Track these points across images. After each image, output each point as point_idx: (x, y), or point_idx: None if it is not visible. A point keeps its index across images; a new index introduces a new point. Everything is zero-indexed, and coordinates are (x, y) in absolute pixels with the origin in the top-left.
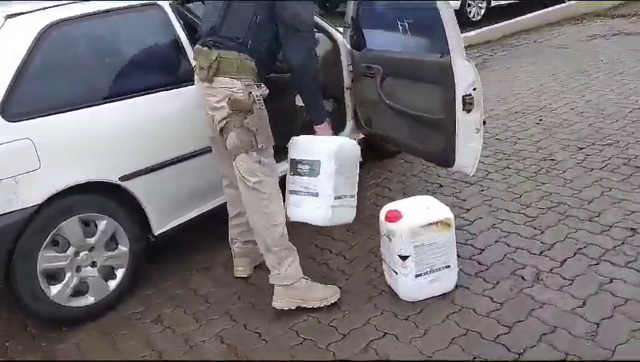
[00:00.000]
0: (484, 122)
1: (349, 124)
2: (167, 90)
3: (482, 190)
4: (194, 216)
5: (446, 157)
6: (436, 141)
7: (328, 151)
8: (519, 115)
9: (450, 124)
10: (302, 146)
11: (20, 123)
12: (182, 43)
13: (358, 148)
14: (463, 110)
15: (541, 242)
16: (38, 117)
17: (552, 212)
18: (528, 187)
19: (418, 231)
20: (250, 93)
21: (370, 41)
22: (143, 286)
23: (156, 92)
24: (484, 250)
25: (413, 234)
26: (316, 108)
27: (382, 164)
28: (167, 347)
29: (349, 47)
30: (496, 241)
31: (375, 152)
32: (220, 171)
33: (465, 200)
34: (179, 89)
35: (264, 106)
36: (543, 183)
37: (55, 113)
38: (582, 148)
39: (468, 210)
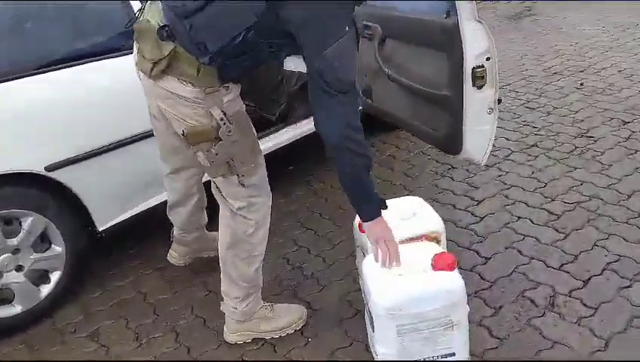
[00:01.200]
0: (500, 100)
1: None
2: (101, 59)
3: (500, 175)
4: (148, 207)
5: (452, 143)
6: (441, 122)
7: (380, 307)
8: (557, 77)
9: (456, 102)
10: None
11: None
12: None
13: (458, 284)
14: (473, 86)
15: (562, 251)
16: None
17: (581, 208)
18: (557, 172)
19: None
20: (212, 115)
21: None
22: (90, 287)
23: (87, 62)
24: (489, 258)
25: None
26: (362, 198)
27: (387, 137)
28: None
29: None
30: (506, 248)
31: (379, 123)
32: (161, 155)
33: (477, 188)
34: (118, 58)
35: (241, 121)
36: (575, 168)
37: None
38: (626, 123)
39: (479, 202)
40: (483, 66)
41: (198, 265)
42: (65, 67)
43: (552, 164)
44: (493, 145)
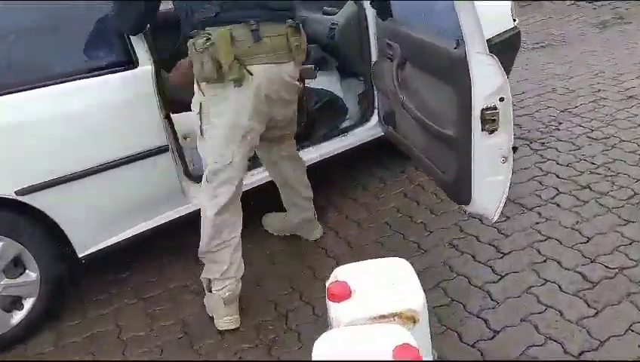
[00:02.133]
0: (515, 148)
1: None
2: (83, 78)
3: (538, 222)
4: (132, 235)
5: (459, 191)
6: (449, 165)
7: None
8: (633, 102)
9: (463, 145)
10: None
11: None
12: None
13: None
14: (483, 130)
15: (588, 332)
16: None
17: (623, 276)
18: (605, 225)
19: (364, 324)
20: None
21: (400, 7)
22: (71, 312)
23: (65, 81)
24: (498, 332)
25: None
26: None
27: None
28: None
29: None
30: (522, 320)
31: None
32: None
33: (506, 237)
34: (99, 77)
35: None
36: (628, 222)
37: None
38: None
39: (503, 254)
40: (495, 108)
41: (183, 301)
42: (40, 86)
43: (602, 214)
44: (539, 183)
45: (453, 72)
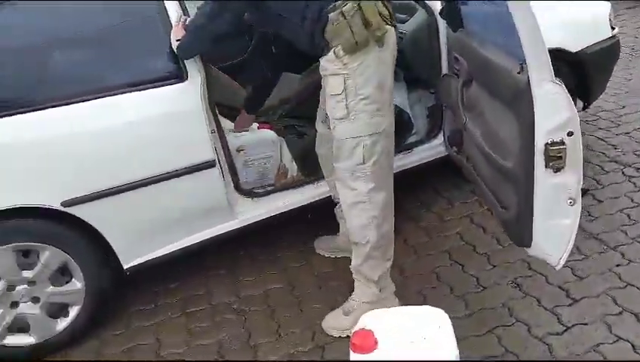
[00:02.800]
0: (585, 191)
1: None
2: (131, 91)
3: (619, 264)
4: (176, 249)
5: (519, 232)
6: (510, 200)
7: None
8: None
9: (525, 181)
10: None
11: None
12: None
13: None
14: (547, 167)
15: None
16: None
17: None
18: None
19: None
20: None
21: (472, 18)
22: (116, 322)
23: (115, 94)
24: None
25: None
26: None
27: None
28: None
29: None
30: None
31: None
32: None
33: (580, 279)
34: (147, 90)
35: None
36: None
37: None
38: None
39: (574, 301)
40: (562, 143)
41: (224, 320)
42: (86, 100)
43: None
44: (627, 217)
45: (516, 99)
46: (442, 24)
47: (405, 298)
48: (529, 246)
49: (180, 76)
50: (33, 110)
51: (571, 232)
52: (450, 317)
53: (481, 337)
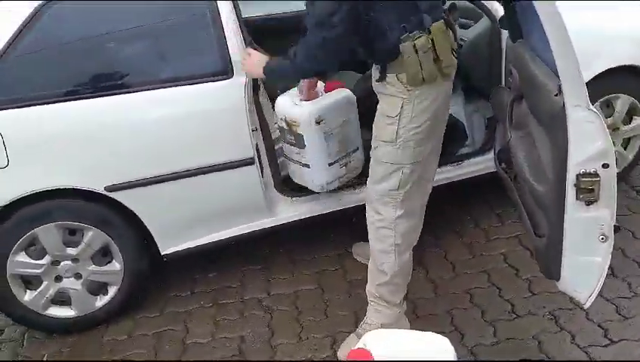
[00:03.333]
0: (617, 228)
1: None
2: (180, 85)
3: None
4: (213, 240)
5: (548, 264)
6: (543, 228)
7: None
8: None
9: (556, 211)
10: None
11: None
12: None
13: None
14: (578, 199)
15: None
16: (12, 108)
17: None
18: None
19: None
20: None
21: (530, 28)
22: (153, 304)
23: (165, 87)
24: None
25: None
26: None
27: None
28: None
29: None
30: None
31: None
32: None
33: (624, 320)
34: (195, 85)
35: None
36: None
37: (32, 105)
38: None
39: (611, 342)
40: (596, 175)
41: (252, 316)
42: (138, 91)
43: None
44: None
45: (553, 122)
46: (505, 33)
47: (432, 316)
48: (557, 279)
49: (225, 73)
50: (91, 97)
51: (602, 271)
52: (474, 344)
53: None
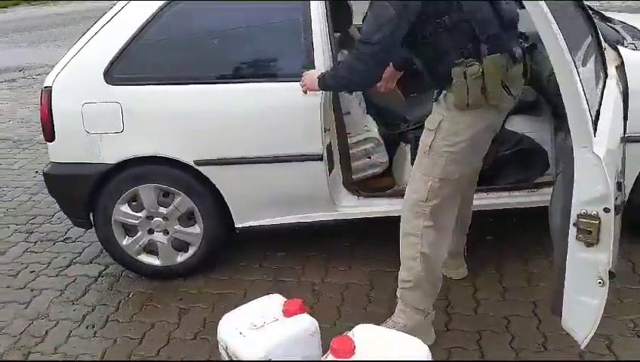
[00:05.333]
0: (612, 275)
1: None
2: (270, 81)
3: None
4: (281, 223)
5: (554, 299)
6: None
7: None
8: None
9: (560, 247)
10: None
11: (115, 87)
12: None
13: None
14: (578, 238)
15: None
16: (132, 85)
17: None
18: None
19: None
20: None
21: None
22: (225, 267)
23: (257, 82)
24: None
25: None
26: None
27: None
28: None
29: None
30: None
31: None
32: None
33: None
34: (282, 83)
35: None
36: None
37: (148, 84)
38: None
39: None
40: (596, 218)
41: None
42: (235, 83)
43: None
44: None
45: (565, 159)
46: None
47: (460, 333)
48: (559, 316)
49: None
50: (194, 83)
51: (598, 314)
52: None
53: None
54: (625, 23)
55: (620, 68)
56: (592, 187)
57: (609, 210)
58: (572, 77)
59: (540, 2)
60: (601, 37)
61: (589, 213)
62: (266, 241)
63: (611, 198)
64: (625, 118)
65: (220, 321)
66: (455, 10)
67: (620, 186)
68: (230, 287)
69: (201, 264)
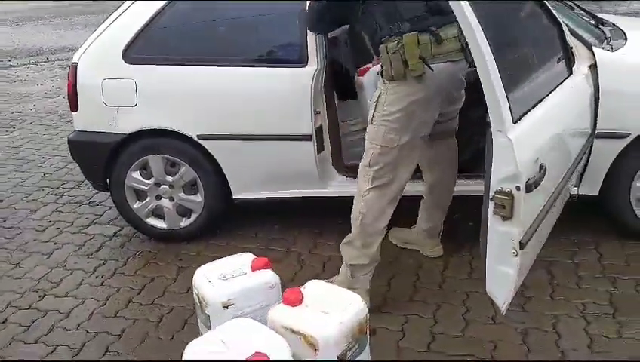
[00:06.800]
0: (523, 245)
1: None
2: (268, 67)
3: None
4: (274, 196)
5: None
6: None
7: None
8: None
9: (484, 221)
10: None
11: (131, 65)
12: None
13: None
14: (494, 213)
15: None
16: (147, 64)
17: None
18: None
19: (279, 329)
20: None
21: None
22: (222, 234)
23: (255, 66)
24: None
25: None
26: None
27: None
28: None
29: None
30: None
31: None
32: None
33: None
34: (278, 68)
35: None
36: None
37: (160, 64)
38: None
39: None
40: (509, 195)
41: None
42: (237, 66)
43: None
44: None
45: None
46: None
47: (422, 305)
48: (486, 287)
49: (302, 62)
50: (199, 65)
51: (513, 282)
52: None
53: None
54: (615, 26)
55: (593, 67)
56: (505, 166)
57: (520, 188)
58: (488, 68)
59: (462, 2)
60: (567, 37)
61: (503, 190)
62: (265, 214)
63: (522, 177)
64: (595, 115)
65: (196, 271)
66: None
67: (541, 168)
68: (226, 252)
69: (202, 230)
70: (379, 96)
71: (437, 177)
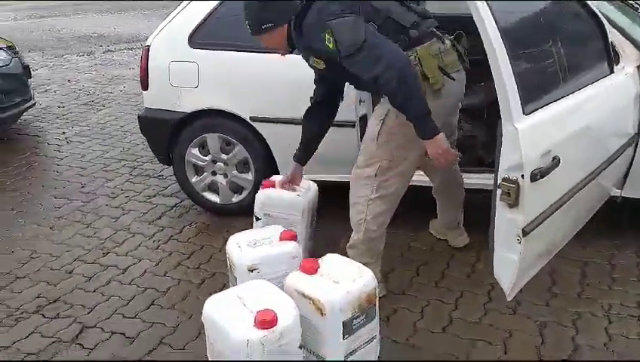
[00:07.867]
0: (525, 233)
1: None
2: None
3: None
4: (320, 179)
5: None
6: None
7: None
8: None
9: (493, 207)
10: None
11: (195, 50)
12: None
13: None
14: (501, 200)
15: None
16: (208, 49)
17: None
18: None
19: (293, 293)
20: None
21: None
22: None
23: None
24: None
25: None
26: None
27: None
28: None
29: None
30: None
31: None
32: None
33: None
34: None
35: None
36: None
37: (220, 50)
38: None
39: None
40: (515, 182)
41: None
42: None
43: None
44: None
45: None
46: None
47: (445, 291)
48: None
49: None
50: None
51: (517, 269)
52: None
53: None
54: None
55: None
56: (512, 155)
57: (524, 176)
58: (498, 60)
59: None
60: (609, 37)
61: (510, 177)
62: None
63: (527, 167)
64: None
65: (230, 238)
66: (374, 14)
67: (554, 160)
68: None
69: (252, 206)
70: (388, 112)
71: (442, 178)
